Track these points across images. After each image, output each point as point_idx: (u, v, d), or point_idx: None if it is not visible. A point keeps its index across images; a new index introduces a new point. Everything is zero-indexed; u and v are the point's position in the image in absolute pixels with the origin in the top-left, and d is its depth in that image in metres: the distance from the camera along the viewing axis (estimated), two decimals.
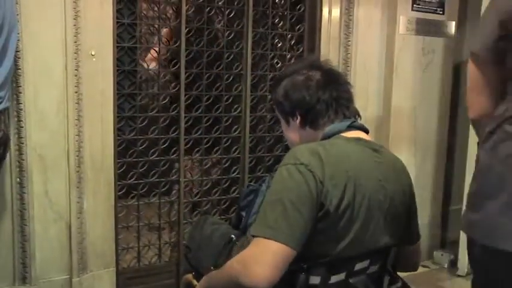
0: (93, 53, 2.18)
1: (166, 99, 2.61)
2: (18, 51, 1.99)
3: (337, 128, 1.33)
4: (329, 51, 2.81)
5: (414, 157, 3.15)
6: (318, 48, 2.79)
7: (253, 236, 1.15)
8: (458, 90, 3.28)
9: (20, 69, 2.02)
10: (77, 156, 2.20)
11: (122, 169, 2.42)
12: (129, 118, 2.49)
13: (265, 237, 1.12)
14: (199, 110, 2.63)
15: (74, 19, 2.11)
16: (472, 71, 1.26)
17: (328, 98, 1.33)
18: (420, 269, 3.08)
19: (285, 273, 1.14)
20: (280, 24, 2.78)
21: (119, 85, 2.37)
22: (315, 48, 2.80)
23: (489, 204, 1.12)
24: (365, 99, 2.97)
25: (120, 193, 2.42)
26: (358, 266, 1.27)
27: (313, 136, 1.37)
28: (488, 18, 1.20)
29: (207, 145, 2.67)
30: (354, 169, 1.24)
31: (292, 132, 1.41)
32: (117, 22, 2.30)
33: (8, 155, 2.00)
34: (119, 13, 2.33)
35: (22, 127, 2.06)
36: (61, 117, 2.15)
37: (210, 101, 2.65)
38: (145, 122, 2.52)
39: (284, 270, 1.12)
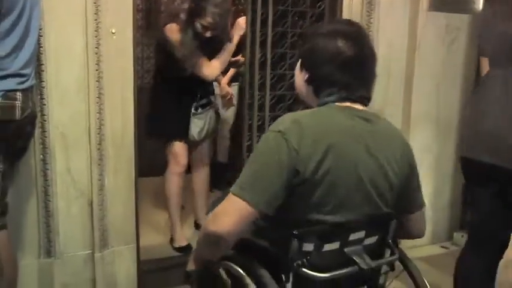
0: (113, 31, 2.19)
1: None
2: (40, 29, 2.01)
3: (332, 99, 1.34)
4: None
5: (436, 137, 3.10)
6: None
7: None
8: None
9: (42, 47, 2.04)
10: (98, 133, 2.22)
11: None
12: None
13: (234, 195, 1.23)
14: None
15: None
16: None
17: (341, 78, 1.33)
18: (439, 250, 3.11)
19: (279, 239, 1.25)
20: (300, 2, 2.74)
21: None
22: None
23: None
24: (387, 78, 2.93)
25: None
26: (353, 237, 1.31)
27: (311, 98, 1.40)
28: None
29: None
30: (337, 136, 1.27)
31: (299, 77, 1.42)
32: None
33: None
34: None
35: (45, 105, 2.10)
36: (82, 95, 2.17)
37: None
38: None
39: (246, 226, 1.24)
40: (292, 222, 1.26)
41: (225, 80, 3.53)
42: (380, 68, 2.88)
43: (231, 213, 1.23)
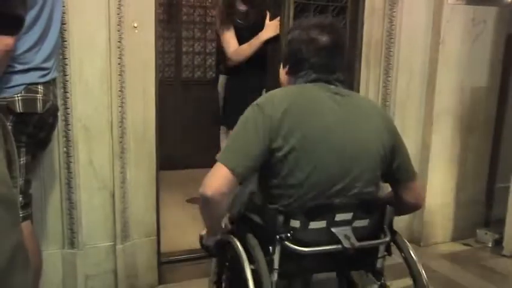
0: (135, 25, 2.21)
1: None
2: (64, 24, 2.04)
3: (306, 79, 1.50)
4: (372, 22, 2.73)
5: (459, 133, 3.05)
6: (361, 19, 2.71)
7: None
8: (510, 62, 3.13)
9: (65, 41, 2.07)
10: (120, 127, 2.25)
11: None
12: None
13: (218, 161, 1.40)
14: None
15: None
16: None
17: (316, 62, 1.48)
18: (462, 247, 3.06)
19: (268, 214, 1.41)
20: None
21: None
22: (358, 20, 2.72)
23: None
24: (409, 72, 2.89)
25: None
26: (340, 217, 1.40)
27: (291, 83, 1.55)
28: None
29: None
30: (308, 105, 1.43)
31: (282, 73, 1.60)
32: None
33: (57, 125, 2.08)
34: None
35: (68, 98, 2.13)
36: (105, 88, 2.20)
37: None
38: None
39: (229, 186, 1.38)
40: (278, 199, 1.41)
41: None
42: (402, 63, 2.88)
43: (215, 177, 1.39)
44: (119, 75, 2.20)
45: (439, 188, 3.07)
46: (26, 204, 1.80)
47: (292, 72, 1.54)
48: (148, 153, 2.35)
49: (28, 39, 1.68)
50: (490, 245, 3.09)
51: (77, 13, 2.08)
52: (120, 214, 2.31)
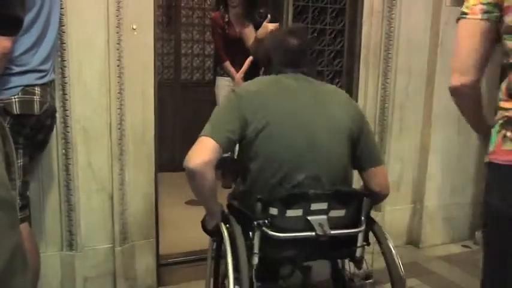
0: (134, 27, 2.21)
1: None
2: (62, 25, 2.04)
3: (278, 70, 1.69)
4: (371, 24, 2.74)
5: (458, 135, 3.05)
6: (359, 21, 2.72)
7: None
8: None
9: (64, 43, 2.07)
10: (119, 129, 2.25)
11: None
12: None
13: (201, 135, 1.53)
14: None
15: None
16: None
17: (286, 59, 1.68)
18: (460, 249, 3.07)
19: (248, 204, 1.52)
20: None
21: None
22: (356, 22, 2.72)
23: None
24: (407, 74, 2.90)
25: None
26: (315, 207, 1.50)
27: None
28: None
29: None
30: (278, 91, 1.60)
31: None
32: None
33: (54, 127, 2.07)
34: None
35: (67, 100, 2.13)
36: (103, 90, 2.20)
37: None
38: None
39: (211, 156, 1.48)
40: (257, 189, 1.53)
41: (239, 74, 3.60)
42: (401, 64, 2.88)
43: (196, 149, 1.51)
44: (118, 77, 2.20)
45: (438, 190, 3.07)
46: (24, 206, 1.80)
47: (267, 72, 1.76)
48: (147, 155, 2.35)
49: (25, 41, 1.68)
50: None
51: (76, 15, 2.08)
52: (118, 216, 2.31)
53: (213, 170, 1.51)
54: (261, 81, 1.70)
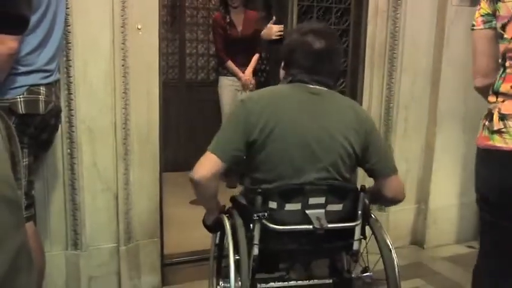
0: (139, 27, 2.21)
1: None
2: (68, 25, 2.05)
3: (290, 78, 1.68)
4: (376, 24, 2.73)
5: (463, 134, 3.04)
6: (364, 21, 2.71)
7: None
8: None
9: (69, 43, 2.08)
10: (124, 128, 2.25)
11: None
12: None
13: (208, 150, 1.60)
14: None
15: None
16: None
17: (304, 64, 1.65)
18: (465, 250, 3.05)
19: (249, 196, 1.61)
20: None
21: None
22: (361, 21, 2.72)
23: None
24: (413, 74, 2.89)
25: None
26: (313, 201, 1.56)
27: (285, 76, 1.73)
28: None
29: None
30: (283, 104, 1.61)
31: (280, 69, 1.78)
32: None
33: (60, 126, 2.08)
34: None
35: (72, 100, 2.13)
36: (109, 90, 2.20)
37: None
38: None
39: (214, 172, 1.58)
40: (257, 182, 1.60)
41: (247, 72, 3.68)
42: (406, 64, 2.88)
43: (203, 163, 1.59)
44: (123, 76, 2.21)
45: (443, 190, 3.06)
46: (29, 205, 1.81)
47: (286, 68, 1.72)
48: (152, 154, 2.36)
49: (31, 41, 1.69)
50: None
51: (81, 15, 2.09)
52: (123, 215, 2.31)
53: (217, 181, 1.63)
54: (268, 93, 1.68)
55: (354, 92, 2.78)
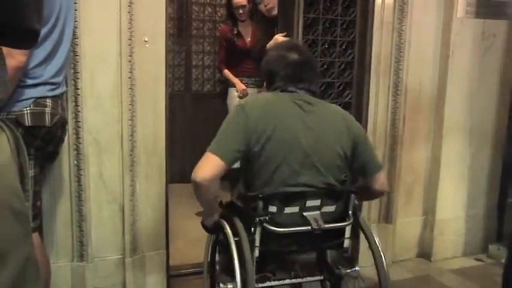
0: (146, 39, 2.23)
1: None
2: (76, 38, 2.07)
3: (278, 86, 1.81)
4: (381, 36, 2.74)
5: (469, 146, 3.03)
6: (370, 33, 2.72)
7: None
8: None
9: (77, 55, 2.10)
10: (130, 140, 2.26)
11: None
12: None
13: (207, 151, 1.65)
14: None
15: (129, 6, 2.17)
16: None
17: (286, 74, 1.79)
18: (473, 263, 3.02)
19: (250, 200, 1.68)
20: (331, 9, 2.73)
21: None
22: (367, 33, 2.73)
23: None
24: (418, 86, 2.89)
25: None
26: (310, 203, 1.68)
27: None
28: None
29: None
30: (280, 111, 1.72)
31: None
32: None
33: (67, 138, 2.09)
34: None
35: (79, 111, 2.15)
36: (115, 102, 2.22)
37: None
38: None
39: (217, 173, 1.63)
40: (258, 188, 1.69)
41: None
42: (411, 76, 2.88)
43: (203, 164, 1.64)
44: (130, 88, 2.22)
45: (449, 202, 3.04)
46: (35, 216, 1.81)
47: (269, 85, 1.86)
48: (158, 166, 2.36)
49: (39, 54, 1.70)
50: (502, 261, 3.04)
51: (89, 27, 2.12)
52: (129, 227, 2.32)
53: (217, 183, 1.67)
54: (264, 101, 1.77)
55: (360, 103, 2.78)
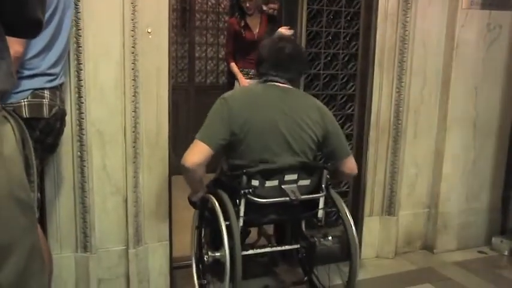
0: (149, 31, 2.22)
1: None
2: (79, 29, 2.06)
3: (265, 78, 2.06)
4: (386, 28, 2.72)
5: (473, 139, 3.02)
6: (374, 25, 2.70)
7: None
8: None
9: (80, 46, 2.09)
10: (133, 131, 2.26)
11: None
12: None
13: (196, 138, 1.93)
14: None
15: None
16: None
17: (274, 61, 2.04)
18: (476, 255, 3.03)
19: (234, 176, 1.93)
20: (335, 1, 2.71)
21: None
22: (371, 25, 2.71)
23: None
24: (422, 78, 2.87)
25: None
26: (288, 177, 1.93)
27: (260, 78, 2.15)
28: None
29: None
30: (259, 101, 1.98)
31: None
32: None
33: (70, 129, 2.09)
34: None
35: (82, 103, 2.14)
36: (118, 93, 2.21)
37: None
38: None
39: (204, 158, 1.90)
40: (242, 166, 1.91)
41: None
42: (415, 68, 2.87)
43: (192, 150, 1.91)
44: (133, 80, 2.22)
45: (453, 194, 3.04)
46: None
47: (259, 70, 2.09)
48: (161, 158, 2.36)
49: (35, 45, 1.68)
50: (505, 253, 3.05)
51: (93, 19, 2.11)
52: (132, 218, 2.32)
53: (204, 167, 1.93)
54: (246, 92, 2.08)
55: (364, 95, 2.77)
